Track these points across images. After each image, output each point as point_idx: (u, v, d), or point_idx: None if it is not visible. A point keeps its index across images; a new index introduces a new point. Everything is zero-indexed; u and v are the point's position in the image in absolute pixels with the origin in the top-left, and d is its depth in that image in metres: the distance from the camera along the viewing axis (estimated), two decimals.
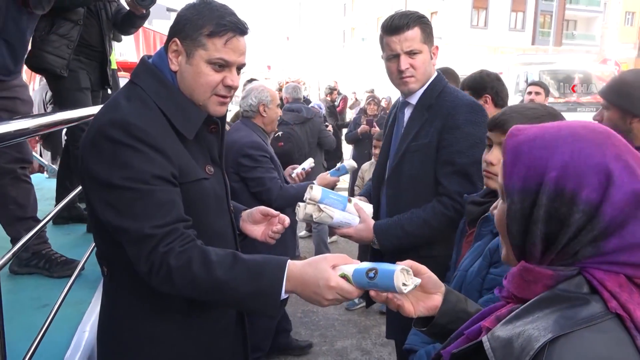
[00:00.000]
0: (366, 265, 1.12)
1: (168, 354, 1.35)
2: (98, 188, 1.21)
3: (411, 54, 1.92)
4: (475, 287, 1.40)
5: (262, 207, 1.60)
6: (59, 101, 2.88)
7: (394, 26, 1.91)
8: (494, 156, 1.47)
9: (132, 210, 1.17)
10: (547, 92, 4.87)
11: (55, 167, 5.24)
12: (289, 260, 1.20)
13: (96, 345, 1.48)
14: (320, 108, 6.54)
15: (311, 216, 1.84)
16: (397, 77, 1.98)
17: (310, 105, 6.27)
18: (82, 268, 2.28)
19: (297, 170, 3.19)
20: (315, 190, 1.83)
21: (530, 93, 4.70)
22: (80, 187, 2.38)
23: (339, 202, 1.87)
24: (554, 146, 0.74)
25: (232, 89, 1.32)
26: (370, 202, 2.13)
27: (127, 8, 3.13)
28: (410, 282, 1.04)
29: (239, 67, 1.33)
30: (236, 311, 1.54)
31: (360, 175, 4.79)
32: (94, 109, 2.29)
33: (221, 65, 1.28)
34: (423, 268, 1.10)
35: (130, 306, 1.35)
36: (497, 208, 0.85)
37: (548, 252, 0.75)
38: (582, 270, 0.73)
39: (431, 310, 1.08)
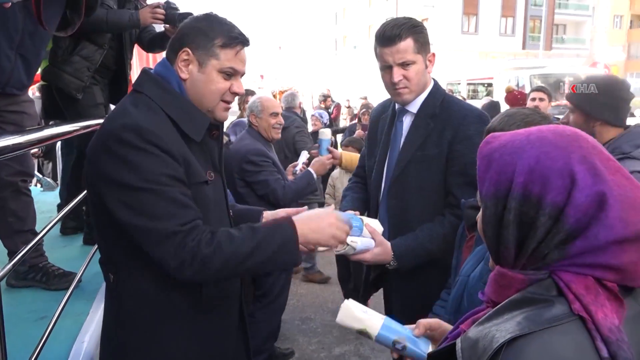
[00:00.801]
0: (393, 332, 1.24)
1: (172, 356, 1.39)
2: (115, 192, 1.24)
3: (404, 65, 1.86)
4: (478, 291, 1.42)
5: (288, 209, 1.72)
6: (75, 117, 2.81)
7: (386, 37, 1.85)
8: None
9: (155, 211, 1.21)
10: (550, 97, 4.87)
11: (51, 180, 5.26)
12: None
13: (98, 353, 1.49)
14: (321, 117, 6.68)
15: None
16: (392, 88, 1.93)
17: (311, 115, 6.37)
18: (80, 280, 2.29)
19: (298, 167, 3.38)
20: None
21: (534, 99, 4.68)
22: (81, 196, 2.40)
23: (357, 228, 1.74)
24: (522, 151, 0.75)
25: (237, 95, 1.43)
26: (360, 213, 1.99)
27: (155, 28, 3.11)
28: None
29: (242, 75, 1.44)
30: (237, 314, 1.58)
31: (330, 183, 4.63)
32: (93, 122, 2.33)
33: (230, 74, 1.39)
34: (435, 323, 1.19)
35: (135, 310, 1.37)
36: (479, 215, 0.86)
37: (520, 257, 0.76)
38: (551, 273, 0.74)
39: None
